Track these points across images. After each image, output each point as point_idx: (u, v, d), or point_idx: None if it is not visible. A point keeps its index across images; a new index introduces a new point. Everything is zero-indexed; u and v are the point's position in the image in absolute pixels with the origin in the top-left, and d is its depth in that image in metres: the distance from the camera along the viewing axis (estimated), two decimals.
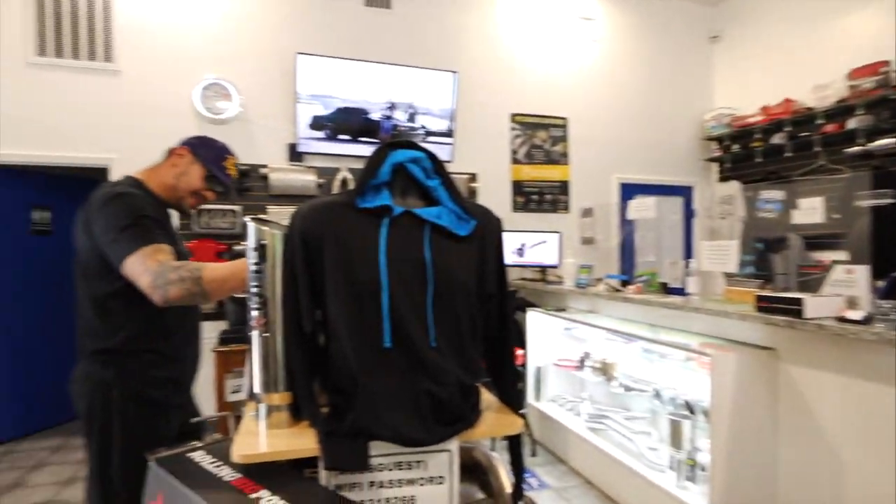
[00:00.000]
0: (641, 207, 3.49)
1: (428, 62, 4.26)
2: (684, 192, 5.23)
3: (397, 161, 1.09)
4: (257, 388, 1.11)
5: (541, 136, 4.70)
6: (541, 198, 4.70)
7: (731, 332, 2.30)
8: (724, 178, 5.06)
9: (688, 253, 4.74)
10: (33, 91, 3.57)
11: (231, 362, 3.48)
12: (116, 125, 3.71)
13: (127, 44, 3.72)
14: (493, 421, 1.14)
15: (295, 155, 4.02)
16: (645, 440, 2.60)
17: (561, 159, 4.77)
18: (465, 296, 1.10)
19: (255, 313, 1.09)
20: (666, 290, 2.97)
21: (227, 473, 0.96)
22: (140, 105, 3.75)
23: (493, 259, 1.18)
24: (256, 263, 1.09)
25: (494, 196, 4.52)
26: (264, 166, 3.94)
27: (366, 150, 4.07)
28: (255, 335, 1.10)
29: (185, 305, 1.45)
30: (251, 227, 1.11)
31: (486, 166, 4.52)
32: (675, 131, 5.20)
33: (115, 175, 3.72)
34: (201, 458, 1.04)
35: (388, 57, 4.16)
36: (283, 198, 3.99)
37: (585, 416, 3.02)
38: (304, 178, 3.98)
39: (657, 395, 2.50)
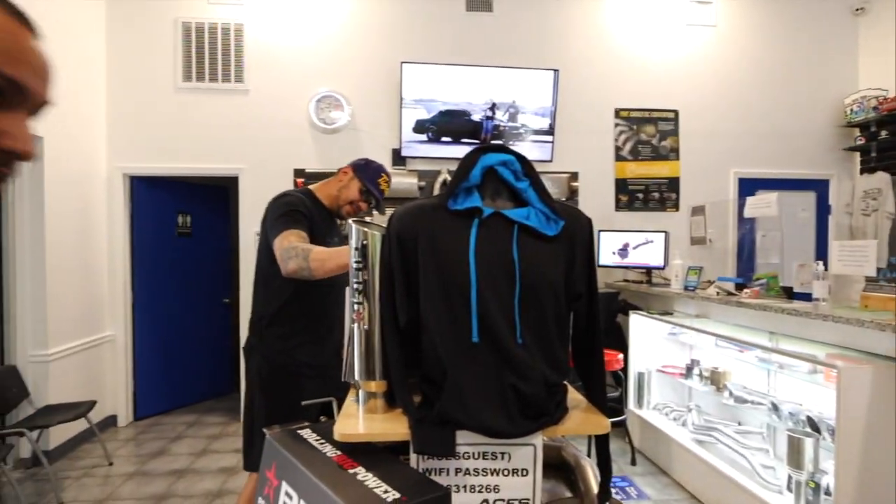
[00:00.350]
0: (761, 204, 3.20)
1: (529, 62, 4.25)
2: (818, 185, 4.69)
3: (487, 164, 1.13)
4: (357, 376, 1.21)
5: (648, 131, 4.48)
6: (646, 196, 4.48)
7: (865, 342, 2.04)
8: (867, 170, 4.46)
9: (821, 254, 4.25)
10: (180, 112, 4.12)
11: None
12: (244, 138, 4.16)
13: (254, 65, 4.15)
14: (580, 419, 1.14)
15: (398, 159, 4.23)
16: (759, 457, 2.39)
17: (670, 155, 4.51)
18: (552, 295, 1.11)
19: (355, 307, 1.19)
20: (789, 294, 2.70)
21: (329, 450, 1.07)
22: (264, 119, 4.17)
23: (581, 259, 1.18)
24: (358, 262, 1.19)
25: (596, 195, 4.40)
26: None
27: (467, 149, 4.16)
28: (355, 328, 1.20)
29: (333, 294, 1.82)
30: (354, 228, 1.22)
31: (588, 164, 4.41)
32: (807, 118, 4.68)
33: (245, 183, 4.19)
34: (308, 435, 1.16)
35: (490, 59, 4.22)
36: (387, 200, 4.19)
37: (692, 426, 2.84)
38: (406, 181, 4.17)
39: (774, 409, 2.30)
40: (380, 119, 4.23)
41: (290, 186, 4.17)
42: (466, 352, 1.08)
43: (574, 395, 1.23)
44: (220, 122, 4.15)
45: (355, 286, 1.19)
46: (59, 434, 3.44)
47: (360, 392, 1.22)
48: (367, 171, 1.94)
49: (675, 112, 4.51)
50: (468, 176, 1.13)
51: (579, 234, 1.19)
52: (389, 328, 1.14)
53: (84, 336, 3.79)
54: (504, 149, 1.16)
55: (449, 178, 4.20)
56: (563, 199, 4.33)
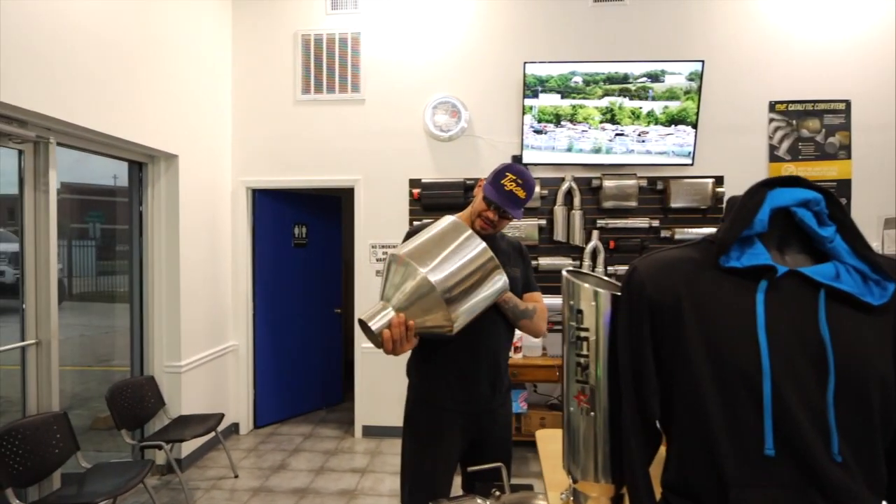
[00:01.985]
0: None
1: (668, 53, 3.79)
2: None
3: (780, 204, 0.81)
4: (573, 470, 0.94)
5: (810, 126, 3.83)
6: None
7: None
8: None
9: None
10: (298, 124, 4.12)
11: None
12: (360, 149, 4.08)
13: (370, 74, 4.05)
14: None
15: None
16: None
17: (839, 153, 3.82)
18: (879, 391, 0.77)
19: (576, 387, 0.92)
20: None
21: None
22: (379, 129, 4.06)
23: None
24: (579, 328, 0.91)
25: None
26: None
27: (592, 156, 3.79)
28: (573, 411, 0.93)
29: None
30: (568, 282, 0.94)
31: (736, 167, 3.85)
32: None
33: (360, 194, 4.10)
34: None
35: (621, 53, 3.81)
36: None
37: None
38: None
39: None
40: (499, 124, 3.96)
41: (405, 197, 4.03)
42: (756, 467, 0.76)
43: None
44: (337, 133, 4.10)
45: (577, 360, 0.92)
46: (190, 443, 3.52)
47: (575, 492, 0.94)
48: (491, 176, 1.70)
49: (846, 102, 3.81)
50: (752, 220, 0.81)
51: None
52: (633, 422, 0.85)
53: (211, 346, 3.89)
54: (802, 182, 0.82)
55: (574, 187, 3.85)
56: (705, 207, 3.81)
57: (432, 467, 1.71)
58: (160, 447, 3.04)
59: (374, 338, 1.37)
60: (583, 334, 0.90)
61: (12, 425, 2.35)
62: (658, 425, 0.88)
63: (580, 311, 0.90)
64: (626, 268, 3.82)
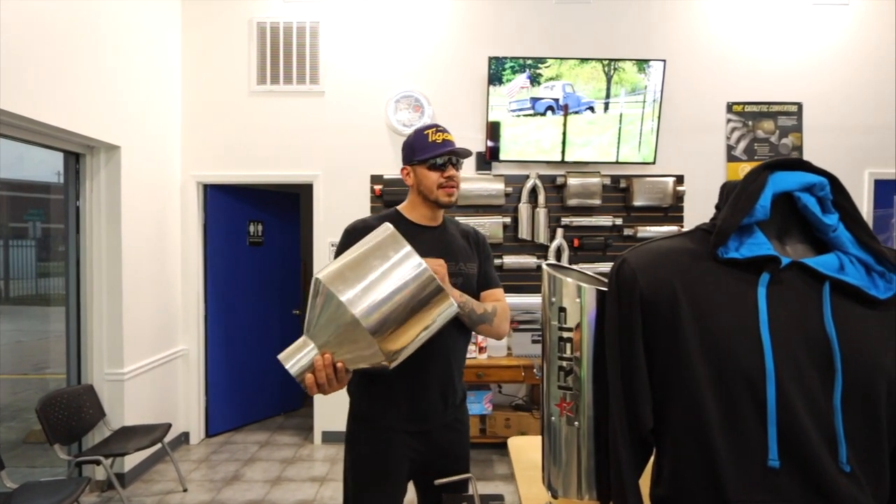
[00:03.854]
0: None
1: (628, 52, 3.79)
2: None
3: (783, 189, 0.74)
4: (554, 484, 0.85)
5: (765, 127, 3.92)
6: None
7: None
8: None
9: None
10: (254, 117, 3.92)
11: None
12: (319, 143, 3.91)
13: (330, 65, 3.89)
14: None
15: (483, 163, 3.87)
16: None
17: (792, 153, 3.93)
18: (889, 393, 0.71)
19: (558, 393, 0.83)
20: None
21: None
22: (340, 123, 3.90)
23: None
24: (563, 328, 0.82)
25: (704, 200, 3.88)
26: None
27: (556, 152, 3.75)
28: (554, 420, 0.84)
29: None
30: (550, 277, 0.85)
31: (696, 166, 3.90)
32: None
33: (320, 190, 3.94)
34: None
35: (584, 51, 3.79)
36: (471, 208, 3.86)
37: None
38: (491, 187, 3.81)
39: None
40: (464, 120, 3.87)
41: (366, 193, 3.90)
42: (759, 480, 0.69)
43: None
44: (295, 126, 3.92)
45: (559, 363, 0.83)
46: (134, 455, 3.28)
47: None
48: (412, 148, 1.53)
49: (798, 105, 3.93)
50: (753, 207, 0.74)
51: None
52: (623, 431, 0.77)
53: (159, 351, 3.64)
54: (805, 165, 0.76)
55: (539, 185, 3.81)
56: (666, 205, 3.85)
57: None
58: (98, 462, 2.80)
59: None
60: (566, 335, 0.82)
61: None
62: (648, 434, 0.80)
63: (563, 309, 0.82)
64: (589, 266, 3.85)
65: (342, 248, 1.46)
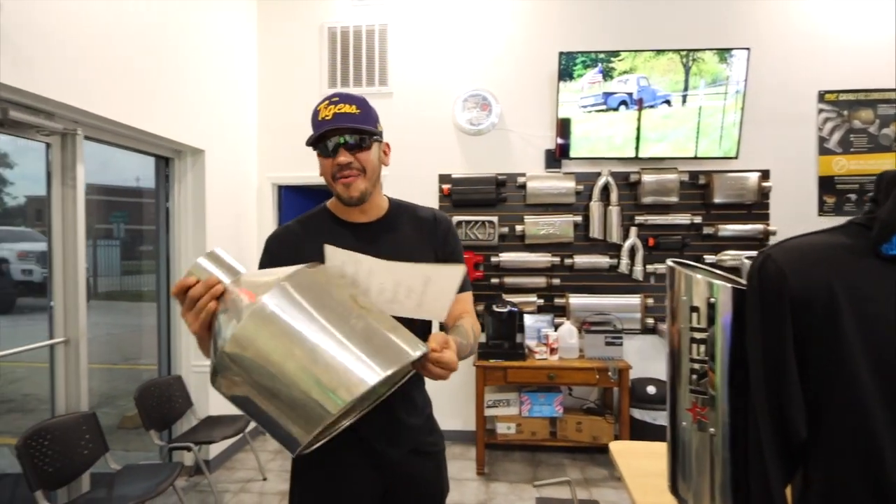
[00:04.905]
0: None
1: (710, 42, 3.61)
2: None
3: None
4: (683, 494, 0.81)
5: (863, 117, 3.62)
6: (861, 196, 3.62)
7: None
8: None
9: None
10: None
11: (490, 377, 3.42)
12: (388, 143, 3.96)
13: (398, 67, 3.94)
14: None
15: (552, 161, 3.79)
16: None
17: (894, 145, 3.61)
18: None
19: (689, 397, 0.78)
20: None
21: None
22: (408, 123, 3.94)
23: None
24: (698, 328, 0.78)
25: (792, 196, 3.64)
26: (522, 175, 3.79)
27: (631, 148, 3.62)
28: (686, 426, 0.79)
29: None
30: (677, 274, 0.81)
31: (783, 160, 3.66)
32: None
33: (388, 190, 3.99)
34: None
35: (661, 42, 3.64)
36: (539, 207, 3.80)
37: None
38: (561, 186, 3.73)
39: None
40: (532, 117, 3.82)
41: (434, 192, 3.92)
42: None
43: None
44: None
45: (691, 365, 0.78)
46: (217, 444, 3.44)
47: None
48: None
49: None
50: None
51: None
52: (771, 441, 0.72)
53: None
54: None
55: (611, 181, 3.69)
56: (749, 202, 3.63)
57: None
58: (189, 448, 2.96)
59: None
60: (698, 335, 0.77)
61: (41, 425, 2.28)
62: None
63: (694, 308, 0.77)
64: (666, 266, 3.65)
65: (267, 258, 1.24)
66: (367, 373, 0.73)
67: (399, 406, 1.16)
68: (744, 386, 0.74)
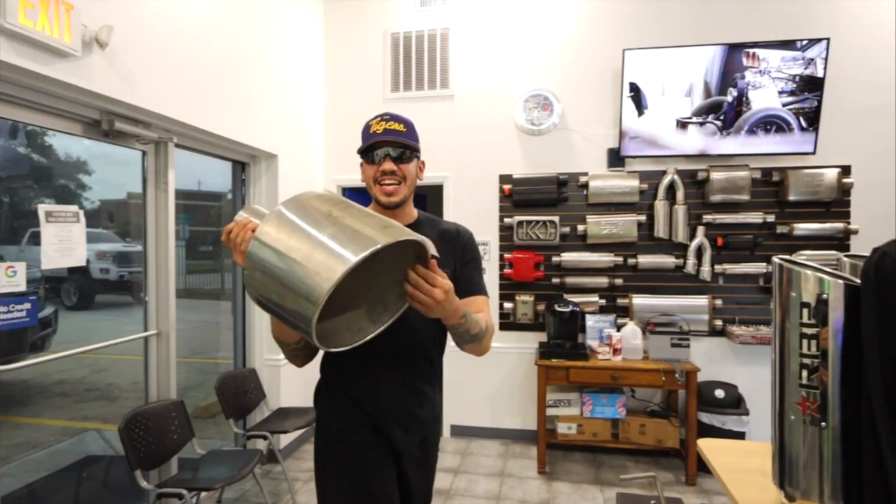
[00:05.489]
0: None
1: (783, 34, 3.47)
2: None
3: None
4: (791, 486, 0.81)
5: None
6: None
7: None
8: None
9: None
10: None
11: (552, 376, 3.41)
12: (449, 145, 4.04)
13: (459, 69, 4.01)
14: None
15: (615, 160, 3.75)
16: None
17: None
18: None
19: (799, 392, 0.79)
20: None
21: None
22: (469, 124, 4.00)
23: None
24: (805, 324, 0.78)
25: (877, 194, 3.44)
26: (584, 174, 3.77)
27: (700, 143, 3.53)
28: (794, 419, 0.80)
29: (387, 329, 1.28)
30: (790, 270, 0.81)
31: (866, 155, 3.46)
32: None
33: (450, 191, 4.07)
34: None
35: (731, 36, 3.53)
36: (601, 206, 3.76)
37: None
38: (625, 185, 3.68)
39: None
40: (594, 116, 3.79)
41: (495, 193, 3.95)
42: None
43: None
44: (426, 130, 4.03)
45: (802, 360, 0.79)
46: (287, 434, 3.62)
47: None
48: (362, 140, 1.43)
49: None
50: None
51: None
52: (891, 438, 0.72)
53: None
54: None
55: (677, 179, 3.61)
56: (828, 200, 3.45)
57: None
58: (265, 437, 3.13)
59: None
60: (809, 331, 0.77)
61: (137, 411, 2.48)
62: None
63: (805, 305, 0.77)
64: (735, 267, 3.55)
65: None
66: (349, 252, 0.91)
67: (413, 401, 1.38)
68: (857, 380, 0.74)
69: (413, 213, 1.48)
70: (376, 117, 1.40)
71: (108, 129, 2.37)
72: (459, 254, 1.44)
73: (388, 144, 1.36)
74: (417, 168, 1.45)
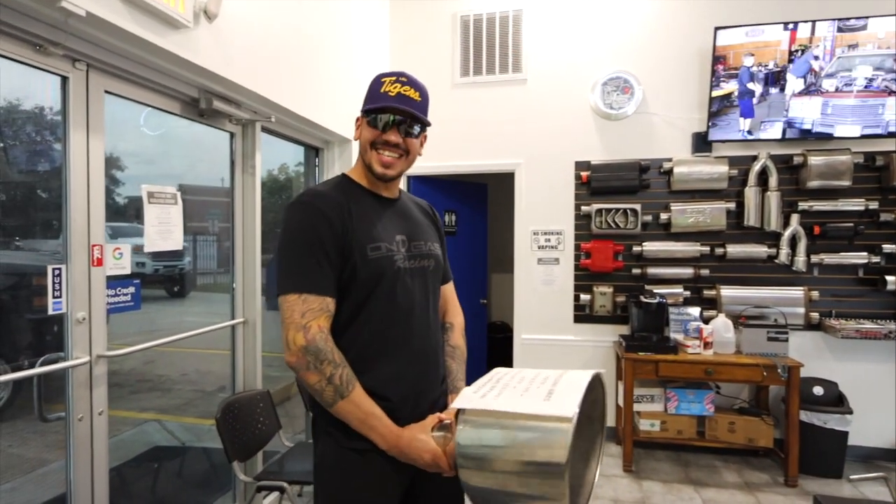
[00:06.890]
0: None
1: (888, 7, 3.26)
2: None
3: None
4: None
5: None
6: None
7: None
8: None
9: None
10: (456, 108, 4.02)
11: (640, 370, 3.26)
12: (522, 131, 3.90)
13: (532, 52, 3.86)
14: None
15: (701, 144, 3.57)
16: None
17: None
18: None
19: None
20: None
21: None
22: (542, 109, 3.85)
23: None
24: None
25: None
26: (668, 160, 3.60)
27: (796, 125, 3.34)
28: None
29: (407, 316, 1.25)
30: None
31: None
32: None
33: (521, 178, 3.92)
34: None
35: (830, 11, 3.31)
36: (686, 193, 3.59)
37: None
38: (712, 170, 3.50)
39: None
40: (677, 99, 3.62)
41: (570, 180, 3.80)
42: None
43: None
44: (497, 116, 3.95)
45: None
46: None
47: None
48: (367, 95, 1.26)
49: None
50: None
51: None
52: None
53: None
54: None
55: (769, 164, 3.42)
56: None
57: None
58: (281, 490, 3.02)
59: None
60: None
61: (229, 401, 2.40)
62: None
63: None
64: (832, 257, 3.34)
65: (325, 223, 1.14)
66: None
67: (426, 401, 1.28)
68: None
69: (398, 186, 1.37)
70: (392, 75, 1.23)
71: (206, 108, 2.28)
72: (439, 230, 1.43)
73: (400, 113, 1.20)
74: (420, 143, 1.30)
